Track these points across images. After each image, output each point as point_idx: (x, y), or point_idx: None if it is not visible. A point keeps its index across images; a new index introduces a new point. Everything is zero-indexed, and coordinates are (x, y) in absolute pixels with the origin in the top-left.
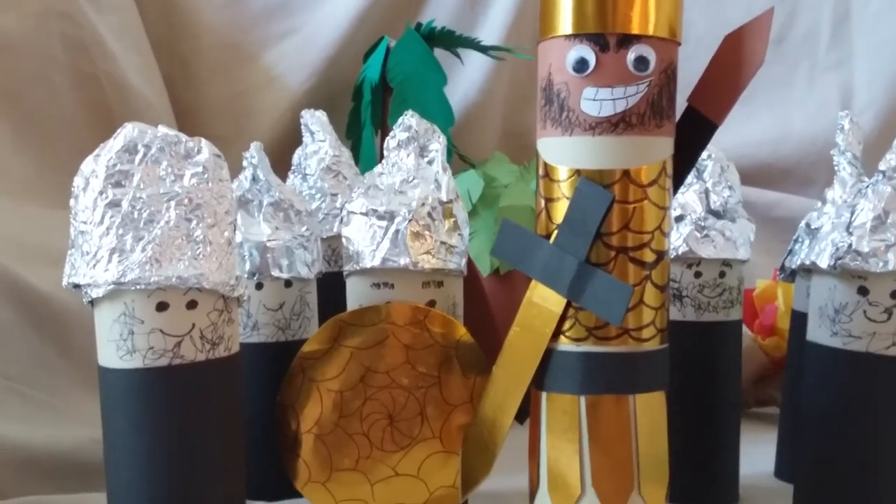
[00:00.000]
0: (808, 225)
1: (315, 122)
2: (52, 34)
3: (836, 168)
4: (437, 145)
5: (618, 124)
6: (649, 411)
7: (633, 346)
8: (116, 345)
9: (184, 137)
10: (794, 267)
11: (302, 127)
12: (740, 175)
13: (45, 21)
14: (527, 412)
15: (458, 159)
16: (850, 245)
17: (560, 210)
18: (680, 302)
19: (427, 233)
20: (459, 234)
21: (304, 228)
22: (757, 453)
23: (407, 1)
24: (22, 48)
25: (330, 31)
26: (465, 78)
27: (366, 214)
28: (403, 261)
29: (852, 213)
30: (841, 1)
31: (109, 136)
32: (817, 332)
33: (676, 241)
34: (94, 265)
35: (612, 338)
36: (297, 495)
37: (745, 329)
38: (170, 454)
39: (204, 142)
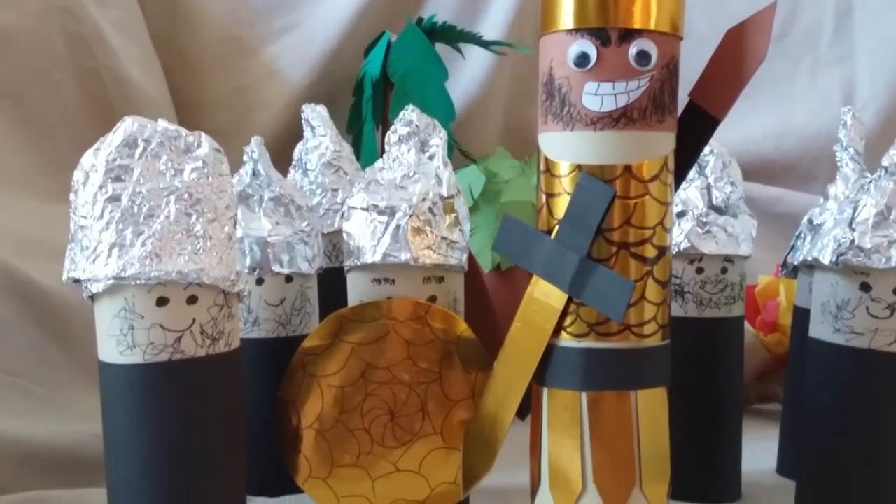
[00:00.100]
0: (810, 221)
1: (316, 117)
2: (52, 29)
3: (838, 164)
4: (438, 140)
5: (619, 119)
6: (651, 408)
7: (635, 343)
8: (116, 340)
9: (184, 132)
10: (796, 263)
11: (303, 122)
12: (742, 171)
13: (46, 16)
14: (528, 408)
15: (460, 154)
16: (852, 241)
17: (561, 205)
18: (682, 298)
19: (428, 228)
20: (460, 230)
21: (304, 224)
22: (759, 450)
23: None
24: (23, 43)
25: (331, 25)
26: (467, 73)
27: (366, 210)
28: (404, 256)
29: (855, 209)
30: None
31: (110, 130)
32: (819, 329)
33: (678, 236)
34: (94, 260)
35: (613, 334)
36: (298, 491)
37: (746, 325)
38: (170, 449)
39: (204, 136)
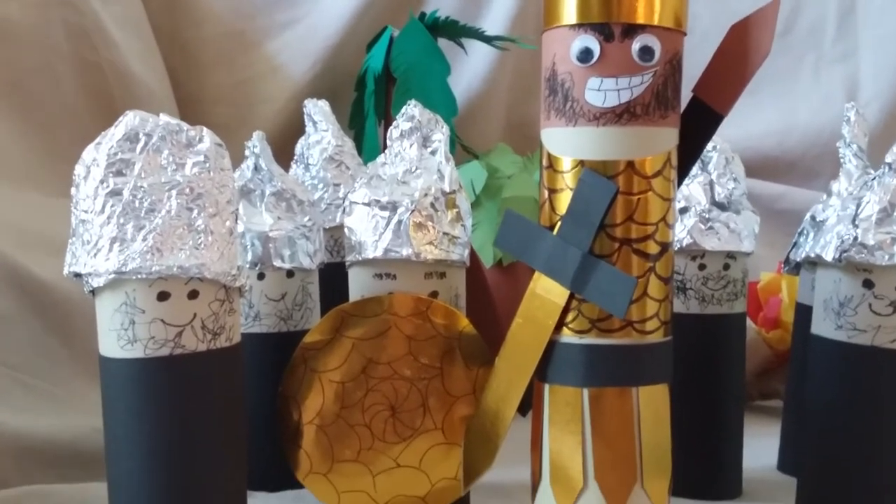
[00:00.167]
0: (813, 217)
1: (318, 112)
2: (54, 22)
3: (841, 160)
4: (441, 135)
5: (622, 115)
6: (652, 404)
7: (637, 339)
8: (117, 334)
9: (185, 126)
10: (798, 259)
11: (305, 116)
12: (745, 167)
13: (48, 9)
14: (529, 404)
15: (462, 150)
16: (855, 238)
17: (564, 201)
18: (684, 294)
19: (430, 223)
20: (462, 225)
21: (306, 218)
22: (760, 446)
23: None
24: (24, 36)
25: (333, 20)
26: (469, 68)
27: (368, 205)
28: (406, 251)
29: (858, 206)
30: None
31: (112, 124)
32: (822, 325)
33: (680, 233)
34: (95, 254)
35: (615, 330)
36: (299, 486)
37: (749, 322)
38: (171, 444)
39: (206, 130)
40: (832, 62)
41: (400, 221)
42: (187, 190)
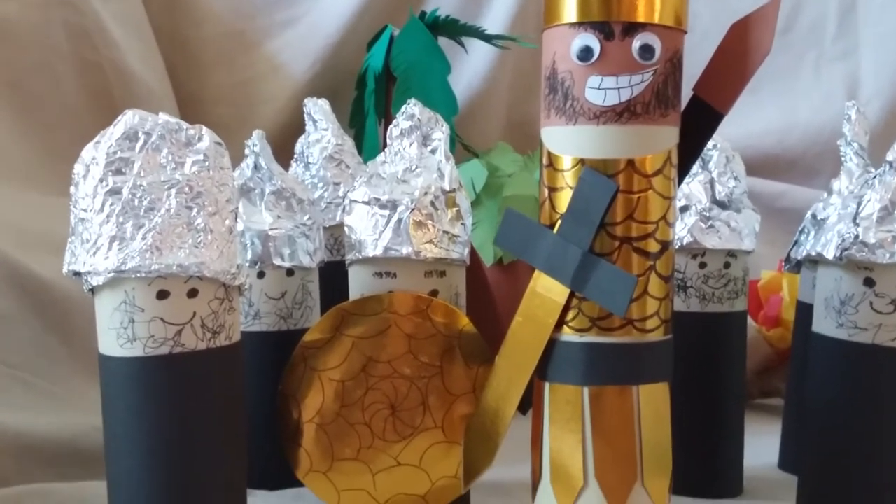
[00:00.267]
0: (814, 216)
1: (318, 111)
2: (54, 22)
3: (842, 158)
4: (440, 134)
5: (622, 113)
6: (653, 402)
7: (637, 337)
8: (117, 333)
9: (184, 125)
10: (799, 258)
11: (305, 115)
12: (746, 165)
13: (48, 8)
14: (529, 403)
15: (462, 148)
16: (856, 236)
17: (564, 200)
18: (684, 293)
19: (430, 222)
20: (462, 224)
21: (306, 217)
22: (761, 445)
23: None
24: (24, 36)
25: (333, 19)
26: (469, 67)
27: (368, 203)
28: (406, 250)
29: (859, 204)
30: None
31: (111, 123)
32: (823, 324)
33: (681, 231)
34: (95, 253)
35: (615, 328)
36: (299, 484)
37: (749, 320)
38: (170, 443)
39: (205, 129)
40: (833, 60)
41: (400, 220)
42: (187, 188)
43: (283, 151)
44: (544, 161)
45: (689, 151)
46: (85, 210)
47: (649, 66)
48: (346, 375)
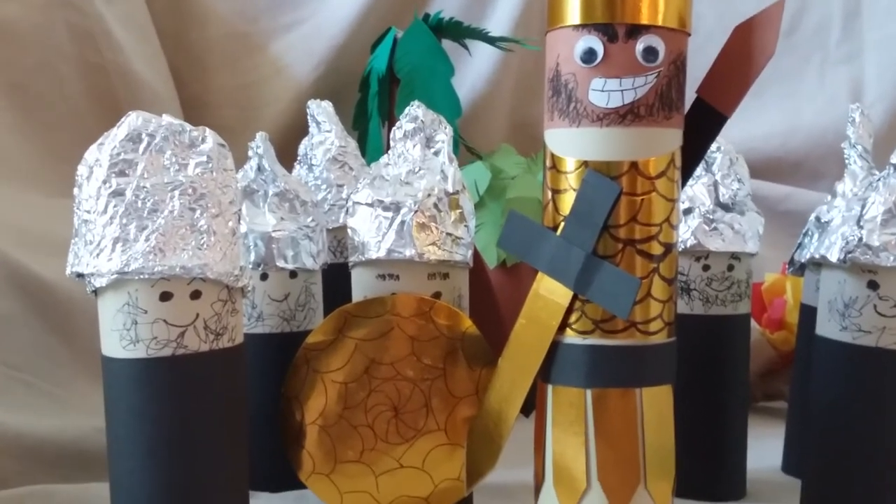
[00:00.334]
0: (817, 218)
1: (321, 113)
2: (57, 23)
3: (846, 161)
4: (444, 136)
5: (626, 115)
6: (656, 405)
7: (640, 340)
8: (120, 334)
9: (188, 126)
10: (803, 261)
11: (308, 117)
12: (749, 168)
13: (51, 10)
14: (532, 405)
15: (465, 151)
16: (860, 239)
17: (567, 202)
18: (688, 295)
19: (433, 224)
20: (465, 226)
21: (309, 219)
22: (764, 448)
23: None
24: (27, 37)
25: (337, 21)
26: (473, 69)
27: (371, 205)
28: (409, 252)
29: (863, 207)
30: None
31: (115, 125)
32: (826, 327)
33: (685, 233)
34: (98, 254)
35: (618, 331)
36: (301, 486)
37: (753, 323)
38: (172, 444)
39: (208, 131)
40: (837, 63)
41: (403, 222)
42: (190, 190)
43: (287, 153)
44: (547, 163)
45: (693, 154)
46: (88, 212)
47: (653, 69)
48: (349, 377)
